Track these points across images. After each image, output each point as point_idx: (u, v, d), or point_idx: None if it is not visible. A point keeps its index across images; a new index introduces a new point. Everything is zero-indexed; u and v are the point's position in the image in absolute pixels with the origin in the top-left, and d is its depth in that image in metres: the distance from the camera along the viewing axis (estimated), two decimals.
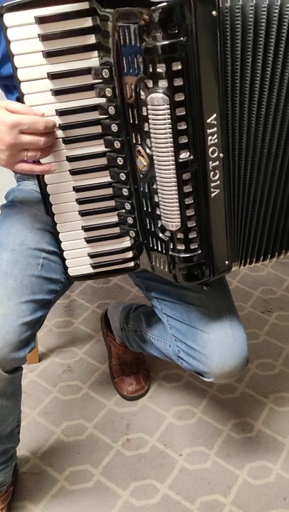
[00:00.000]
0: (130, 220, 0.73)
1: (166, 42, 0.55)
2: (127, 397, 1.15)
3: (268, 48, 0.59)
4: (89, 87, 0.65)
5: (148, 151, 0.63)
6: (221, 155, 0.63)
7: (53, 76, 0.64)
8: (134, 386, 1.15)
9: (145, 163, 0.64)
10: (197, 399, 1.15)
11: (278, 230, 0.73)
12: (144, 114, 0.61)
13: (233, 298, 0.85)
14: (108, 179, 0.71)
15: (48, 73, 0.64)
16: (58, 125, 0.67)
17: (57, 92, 0.65)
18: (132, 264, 0.78)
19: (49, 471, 1.01)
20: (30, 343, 0.74)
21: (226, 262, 0.71)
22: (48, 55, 0.63)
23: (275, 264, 1.52)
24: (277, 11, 0.58)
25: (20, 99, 0.66)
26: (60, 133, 0.68)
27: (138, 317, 1.02)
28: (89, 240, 0.75)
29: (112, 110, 0.65)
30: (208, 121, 0.60)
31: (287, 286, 1.45)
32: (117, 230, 0.75)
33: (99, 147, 0.69)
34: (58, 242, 0.76)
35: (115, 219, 0.74)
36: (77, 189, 0.72)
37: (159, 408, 1.13)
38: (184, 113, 0.59)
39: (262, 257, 0.74)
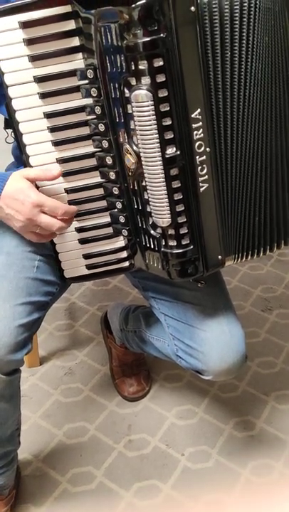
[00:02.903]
0: (122, 219, 0.73)
1: (147, 39, 0.56)
2: (128, 398, 1.15)
3: (242, 41, 0.60)
4: (75, 89, 0.66)
5: (135, 148, 0.64)
6: (208, 149, 0.63)
7: (39, 79, 0.65)
8: (135, 387, 1.15)
9: (133, 161, 0.65)
10: (198, 398, 1.15)
11: (270, 223, 0.73)
12: (130, 111, 0.62)
13: (232, 297, 0.85)
14: (98, 179, 0.72)
15: (34, 77, 0.65)
16: (47, 127, 0.68)
17: (44, 95, 0.66)
18: (126, 263, 0.78)
19: (51, 474, 1.01)
20: (27, 344, 0.74)
21: (219, 257, 0.71)
22: (34, 58, 0.64)
23: (275, 262, 1.52)
24: (246, 4, 0.59)
25: (8, 104, 0.67)
26: (49, 136, 0.69)
27: (137, 318, 1.03)
28: (83, 241, 0.76)
29: (98, 110, 0.66)
30: (192, 115, 0.61)
31: (287, 284, 1.45)
32: (110, 230, 0.76)
33: (88, 148, 0.70)
34: (52, 244, 0.76)
35: (108, 219, 0.75)
36: (68, 191, 0.72)
37: (160, 408, 1.13)
38: (168, 109, 0.59)
39: (256, 251, 0.74)
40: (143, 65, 0.57)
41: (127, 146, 0.65)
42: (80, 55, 0.64)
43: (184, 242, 0.68)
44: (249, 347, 0.82)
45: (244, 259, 0.74)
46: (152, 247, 0.71)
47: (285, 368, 1.21)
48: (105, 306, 1.34)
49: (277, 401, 1.14)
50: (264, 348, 1.26)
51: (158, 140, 0.61)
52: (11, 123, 0.69)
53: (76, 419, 1.11)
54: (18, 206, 0.67)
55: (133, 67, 0.58)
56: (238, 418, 1.10)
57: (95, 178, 0.72)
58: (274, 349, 1.26)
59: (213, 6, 0.58)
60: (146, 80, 0.58)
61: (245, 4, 0.59)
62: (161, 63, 0.57)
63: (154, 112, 0.59)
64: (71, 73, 0.65)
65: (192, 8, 0.56)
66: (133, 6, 0.55)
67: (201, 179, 0.65)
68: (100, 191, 0.73)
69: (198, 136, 0.62)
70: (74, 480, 1.00)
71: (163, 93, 0.58)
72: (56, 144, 0.69)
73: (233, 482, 0.99)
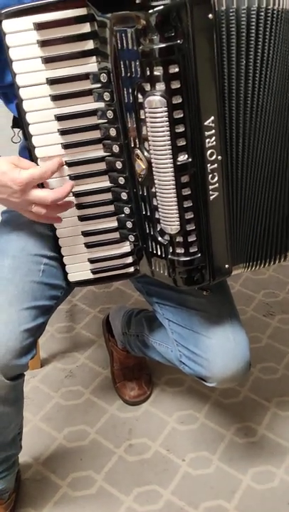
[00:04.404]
0: (129, 225, 0.73)
1: (163, 45, 0.55)
2: (129, 402, 1.14)
3: (257, 50, 0.60)
4: (87, 92, 0.65)
5: (146, 154, 0.63)
6: (220, 157, 0.63)
7: (51, 81, 0.65)
8: (136, 391, 1.14)
9: (144, 167, 0.64)
10: (200, 403, 1.14)
11: (275, 234, 0.72)
12: (142, 117, 0.61)
13: (235, 302, 0.85)
14: (107, 184, 0.71)
15: (46, 79, 0.65)
16: (57, 130, 0.67)
17: (55, 98, 0.66)
18: (132, 269, 0.77)
19: (52, 478, 1.01)
20: (31, 349, 0.73)
21: (226, 266, 0.71)
22: (47, 60, 0.64)
23: (277, 267, 1.52)
24: (262, 13, 0.59)
25: (19, 105, 0.67)
26: (59, 138, 0.68)
27: (140, 322, 1.02)
28: (89, 245, 0.75)
29: (110, 114, 0.65)
30: (205, 123, 0.60)
31: None
32: (116, 234, 0.75)
33: (98, 152, 0.69)
34: (57, 248, 0.76)
35: (115, 224, 0.74)
36: (76, 194, 0.72)
37: (161, 413, 1.12)
38: (182, 115, 0.59)
39: (262, 261, 0.74)
40: (158, 71, 0.56)
41: (138, 151, 0.64)
42: (93, 58, 0.63)
43: (191, 250, 0.67)
44: (251, 352, 0.81)
45: (251, 268, 0.74)
46: (159, 253, 0.70)
47: (286, 374, 1.21)
48: (107, 309, 1.33)
49: (279, 407, 1.14)
50: (266, 353, 1.26)
51: (170, 147, 0.60)
52: (20, 123, 0.68)
53: (76, 422, 1.10)
54: (8, 191, 0.66)
55: (148, 73, 0.57)
56: (239, 424, 1.10)
57: (104, 182, 0.71)
58: (276, 355, 1.25)
59: (231, 14, 0.57)
60: (160, 86, 0.57)
61: (262, 14, 0.58)
62: (176, 70, 0.56)
63: (167, 119, 0.59)
64: (84, 76, 0.64)
65: (210, 16, 0.55)
66: (150, 11, 0.54)
67: (211, 187, 0.65)
68: (108, 196, 0.72)
69: (210, 144, 0.62)
70: (74, 484, 1.00)
71: (177, 100, 0.58)
72: (66, 146, 0.69)
73: (234, 488, 0.99)
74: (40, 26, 0.61)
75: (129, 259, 0.77)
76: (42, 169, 0.66)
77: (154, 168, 0.63)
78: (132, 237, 0.74)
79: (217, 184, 0.65)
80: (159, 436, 1.08)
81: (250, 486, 1.00)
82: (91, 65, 0.64)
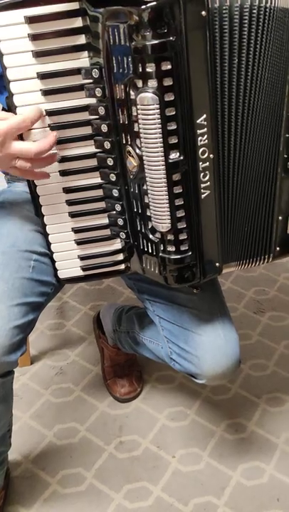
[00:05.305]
0: (121, 222, 0.73)
1: (156, 41, 0.55)
2: (119, 399, 1.14)
3: (249, 48, 0.60)
4: (79, 88, 0.65)
5: (138, 151, 0.63)
6: (211, 156, 0.63)
7: (42, 76, 0.64)
8: (126, 388, 1.14)
9: (135, 164, 0.64)
10: (190, 400, 1.15)
11: (268, 231, 0.73)
12: (134, 114, 0.61)
13: (225, 299, 0.85)
14: (98, 180, 0.71)
15: (37, 73, 0.64)
16: (48, 125, 0.67)
17: (46, 92, 0.65)
18: (122, 266, 0.77)
19: (41, 475, 1.00)
20: (21, 346, 0.73)
21: (217, 264, 0.71)
22: (38, 54, 0.63)
23: (268, 265, 1.51)
24: (255, 11, 0.59)
25: (9, 99, 0.66)
26: None
27: (130, 319, 1.02)
28: (79, 242, 0.75)
29: (102, 110, 0.65)
30: (198, 121, 0.60)
31: (280, 287, 1.45)
32: (107, 231, 0.75)
33: (89, 148, 0.69)
34: (48, 244, 0.75)
35: (106, 221, 0.74)
36: (67, 190, 0.71)
37: (152, 410, 1.13)
38: (174, 113, 0.58)
39: (255, 259, 0.74)
40: (150, 68, 0.56)
41: (130, 148, 0.64)
42: (85, 53, 0.63)
43: (182, 248, 0.67)
44: (241, 349, 0.82)
45: (242, 267, 0.74)
46: (150, 251, 0.70)
47: (276, 371, 1.22)
48: (98, 306, 1.33)
49: (269, 403, 1.14)
50: (256, 350, 1.26)
51: (162, 144, 0.60)
52: None
53: (67, 419, 1.10)
54: None
55: (140, 70, 0.57)
56: (229, 420, 1.11)
57: (95, 178, 0.71)
58: (266, 351, 1.26)
59: (224, 11, 0.57)
60: (152, 83, 0.57)
61: (254, 12, 0.58)
62: (169, 67, 0.56)
63: (159, 116, 0.58)
64: (76, 71, 0.64)
65: (203, 13, 0.55)
66: (143, 7, 0.53)
67: (203, 186, 0.64)
68: (100, 192, 0.72)
69: (202, 142, 0.62)
70: (64, 481, 1.00)
71: (169, 97, 0.57)
72: (57, 142, 0.68)
73: (224, 485, 1.00)
74: (31, 20, 0.60)
75: (120, 257, 0.76)
76: (20, 117, 0.62)
77: (145, 166, 0.63)
78: (123, 235, 0.74)
79: (208, 183, 0.65)
80: (150, 433, 1.08)
81: (240, 482, 1.00)
82: (83, 60, 0.63)
